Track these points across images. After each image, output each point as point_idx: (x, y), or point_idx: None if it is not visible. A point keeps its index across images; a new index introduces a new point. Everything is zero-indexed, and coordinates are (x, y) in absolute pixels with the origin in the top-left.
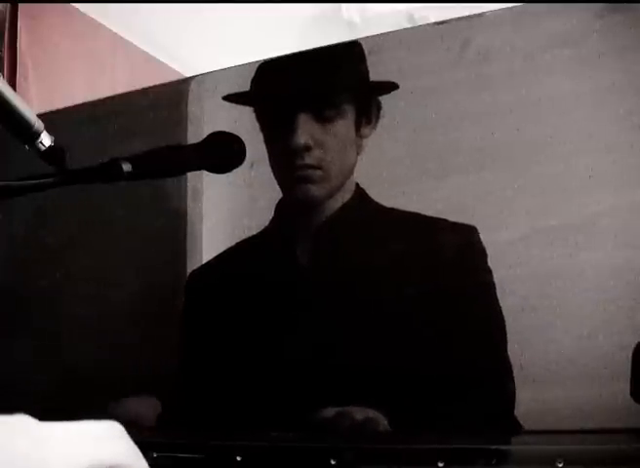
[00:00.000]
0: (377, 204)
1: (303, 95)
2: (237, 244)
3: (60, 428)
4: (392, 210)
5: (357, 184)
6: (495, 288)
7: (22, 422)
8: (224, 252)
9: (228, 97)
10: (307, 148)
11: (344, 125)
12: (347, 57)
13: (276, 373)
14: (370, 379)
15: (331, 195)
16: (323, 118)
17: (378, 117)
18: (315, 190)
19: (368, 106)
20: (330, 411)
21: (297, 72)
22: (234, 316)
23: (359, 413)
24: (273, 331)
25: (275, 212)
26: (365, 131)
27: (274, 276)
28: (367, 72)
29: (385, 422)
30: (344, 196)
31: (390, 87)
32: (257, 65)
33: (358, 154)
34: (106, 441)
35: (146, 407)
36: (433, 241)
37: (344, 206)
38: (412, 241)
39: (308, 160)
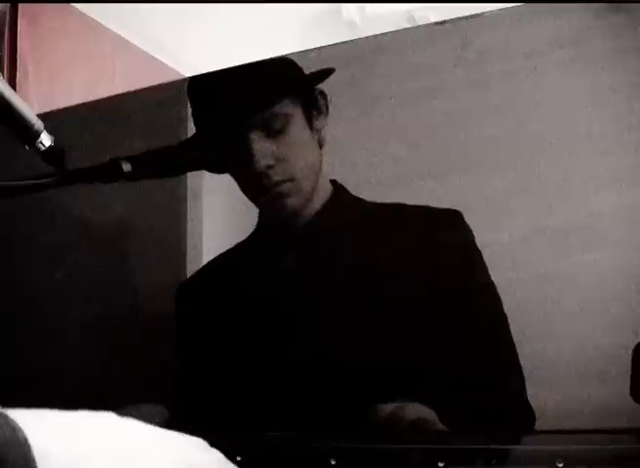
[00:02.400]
0: (359, 199)
1: (246, 115)
2: (224, 253)
3: (155, 430)
4: (375, 204)
5: (334, 182)
6: (487, 269)
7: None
8: (212, 260)
9: None
10: (270, 167)
11: (297, 129)
12: (277, 65)
13: (268, 376)
14: (362, 380)
15: (308, 199)
16: (274, 131)
17: (327, 104)
18: (292, 202)
19: (313, 99)
20: (387, 408)
21: (230, 93)
22: (230, 319)
23: (415, 410)
24: (271, 335)
25: (258, 223)
26: (319, 122)
27: (263, 282)
28: (300, 70)
29: (437, 419)
30: (323, 196)
31: (325, 73)
32: (187, 92)
33: (322, 147)
34: (199, 449)
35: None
36: (420, 230)
37: (326, 205)
38: (399, 232)
39: (275, 177)
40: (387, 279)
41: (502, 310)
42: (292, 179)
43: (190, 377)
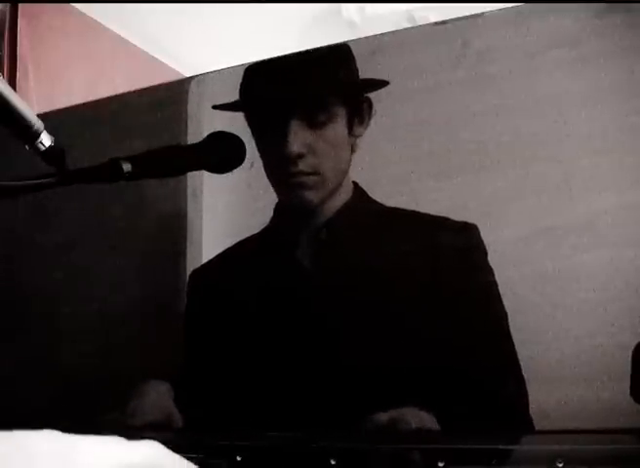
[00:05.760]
0: (377, 203)
1: (294, 100)
2: (239, 243)
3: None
4: (393, 209)
5: (356, 184)
6: (497, 286)
7: (49, 433)
8: (226, 250)
9: (219, 106)
10: (300, 156)
11: (337, 128)
12: (335, 58)
13: (277, 375)
14: (372, 381)
15: (328, 197)
16: (315, 123)
17: (370, 115)
18: (310, 195)
19: (359, 105)
20: (384, 416)
21: (285, 77)
22: (235, 316)
23: (414, 416)
24: (275, 333)
25: (274, 212)
26: (358, 130)
27: (275, 277)
28: (356, 72)
29: (436, 422)
30: (344, 196)
31: (380, 84)
32: (245, 69)
33: (353, 153)
34: (138, 444)
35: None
36: (436, 240)
37: (345, 206)
38: (415, 240)
39: (302, 167)
40: (394, 282)
41: (508, 325)
42: (318, 173)
43: (190, 377)
